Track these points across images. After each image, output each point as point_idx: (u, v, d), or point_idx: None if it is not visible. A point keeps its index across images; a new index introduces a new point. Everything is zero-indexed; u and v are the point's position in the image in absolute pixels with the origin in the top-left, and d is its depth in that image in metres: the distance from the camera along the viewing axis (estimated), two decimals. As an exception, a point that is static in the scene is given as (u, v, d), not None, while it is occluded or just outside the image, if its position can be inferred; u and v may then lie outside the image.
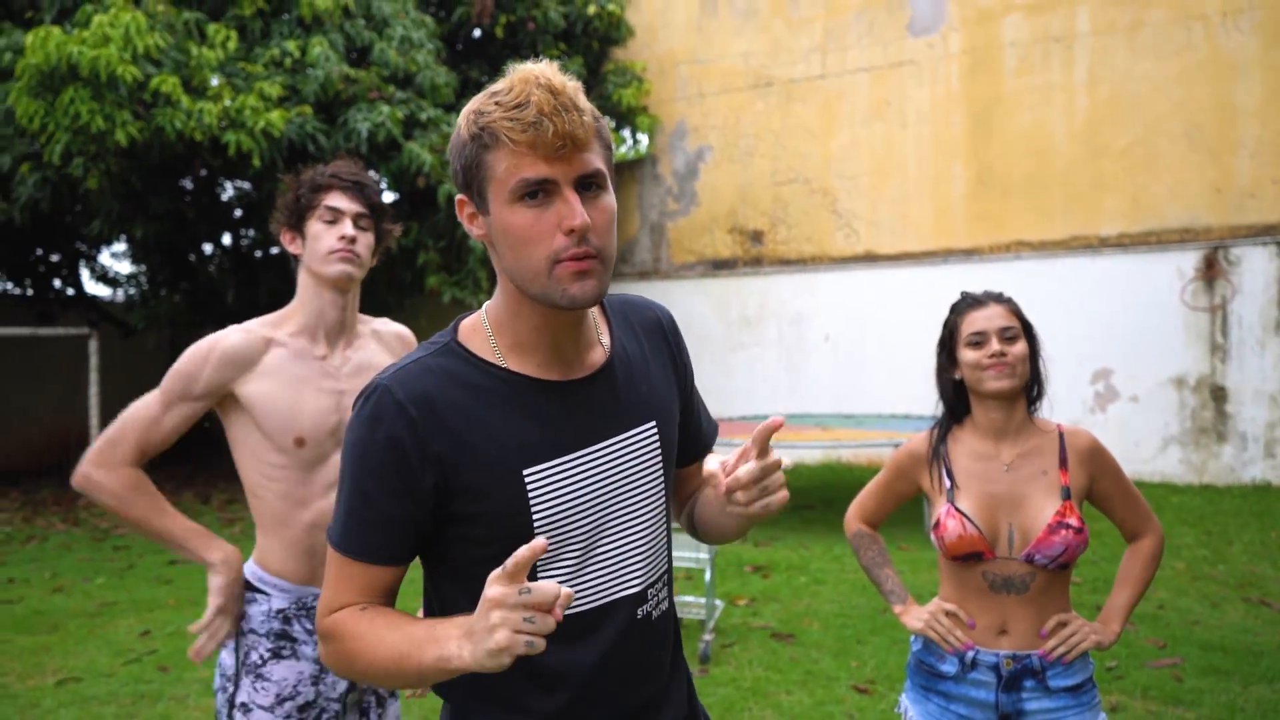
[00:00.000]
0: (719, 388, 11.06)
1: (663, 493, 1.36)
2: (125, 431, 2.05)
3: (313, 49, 8.14)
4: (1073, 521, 1.98)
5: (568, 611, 1.26)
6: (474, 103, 1.20)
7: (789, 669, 4.35)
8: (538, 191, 1.16)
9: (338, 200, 2.06)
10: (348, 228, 2.05)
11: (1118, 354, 9.16)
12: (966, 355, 2.09)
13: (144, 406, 2.07)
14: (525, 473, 1.23)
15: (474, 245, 8.75)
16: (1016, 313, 2.09)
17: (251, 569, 2.11)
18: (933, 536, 2.08)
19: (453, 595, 1.30)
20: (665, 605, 1.37)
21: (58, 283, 11.73)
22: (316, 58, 8.13)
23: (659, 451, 1.35)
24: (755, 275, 11.10)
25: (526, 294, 1.22)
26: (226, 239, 10.56)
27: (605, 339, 1.35)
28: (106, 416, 11.34)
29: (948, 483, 2.10)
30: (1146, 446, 9.09)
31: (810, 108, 10.79)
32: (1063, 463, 2.06)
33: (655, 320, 1.44)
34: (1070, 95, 9.46)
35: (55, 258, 11.57)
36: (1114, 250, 9.23)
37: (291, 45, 8.16)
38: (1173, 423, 9.01)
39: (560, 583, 1.24)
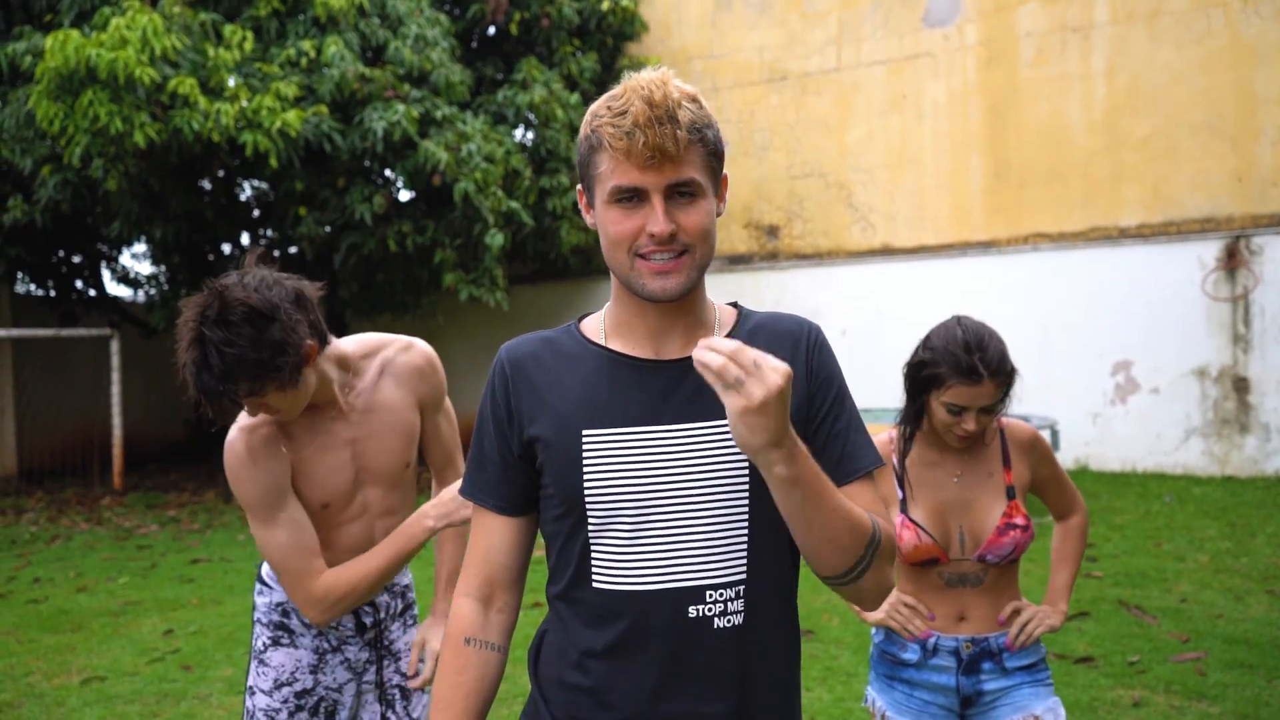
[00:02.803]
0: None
1: (745, 493, 1.29)
2: (287, 567, 1.97)
3: (328, 49, 8.15)
4: (1019, 520, 2.08)
5: (615, 586, 1.30)
6: (596, 103, 1.29)
7: (808, 665, 4.33)
8: (631, 196, 1.25)
9: (246, 404, 1.86)
10: (260, 417, 1.93)
11: (1138, 345, 9.08)
12: (938, 411, 2.05)
13: (272, 544, 1.96)
14: (584, 433, 1.30)
15: (489, 243, 8.75)
16: (1006, 383, 2.01)
17: (264, 566, 2.20)
18: None
19: (549, 556, 1.40)
20: (739, 619, 1.29)
21: (79, 284, 11.81)
22: (332, 57, 8.15)
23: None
24: (771, 270, 11.07)
25: (619, 279, 1.32)
26: (245, 238, 10.60)
27: (723, 334, 1.37)
28: (128, 416, 11.41)
29: (900, 492, 2.14)
30: (1168, 439, 9.01)
31: (825, 101, 10.74)
32: (1006, 462, 2.14)
33: (792, 332, 1.39)
34: (1088, 85, 9.37)
35: (77, 259, 11.63)
36: (1134, 241, 9.14)
37: (307, 45, 8.18)
38: (1194, 414, 8.92)
39: (608, 557, 1.31)
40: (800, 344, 1.38)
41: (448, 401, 2.24)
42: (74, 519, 8.83)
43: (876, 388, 10.29)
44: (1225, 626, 4.64)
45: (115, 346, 10.33)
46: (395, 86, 8.49)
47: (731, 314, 1.43)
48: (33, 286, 11.87)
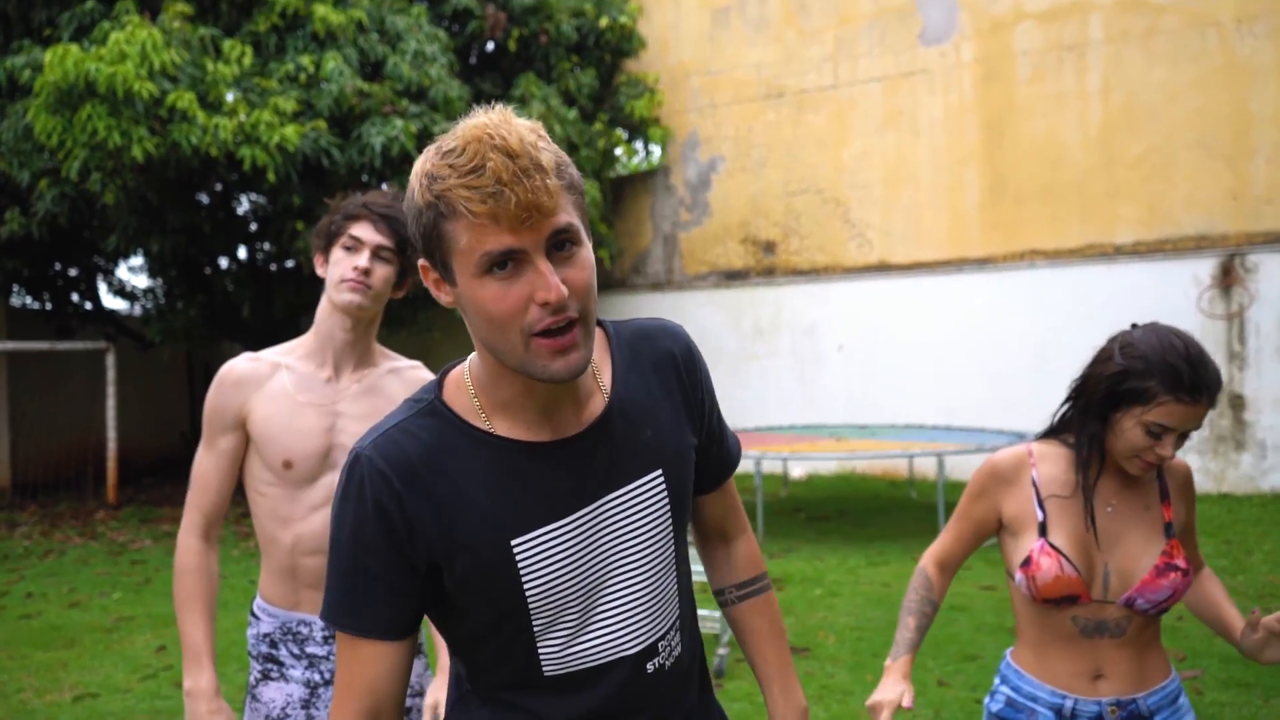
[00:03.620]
0: (732, 398, 11.02)
1: (671, 540, 1.28)
2: (189, 493, 2.12)
3: (327, 64, 8.19)
4: (1179, 562, 1.79)
5: (570, 670, 1.22)
6: (425, 161, 1.09)
7: (804, 683, 4.32)
8: (506, 262, 1.06)
9: (362, 230, 2.07)
10: (363, 258, 2.05)
11: (1134, 362, 9.09)
12: (1132, 432, 1.75)
13: (195, 461, 2.12)
14: (513, 543, 1.17)
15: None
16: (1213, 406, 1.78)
17: (256, 599, 2.19)
18: (1019, 575, 1.82)
19: (459, 654, 1.28)
20: (679, 650, 1.30)
21: (76, 297, 11.82)
22: (331, 72, 8.18)
23: (666, 500, 1.26)
24: (768, 285, 11.09)
25: (505, 365, 1.14)
26: (242, 252, 10.62)
27: (606, 380, 1.26)
28: (124, 429, 11.40)
29: (1040, 514, 1.83)
30: (1164, 455, 9.01)
31: (822, 117, 10.79)
32: (1164, 495, 1.86)
33: (667, 353, 1.32)
34: (1084, 103, 9.42)
35: (73, 272, 11.65)
36: (1129, 258, 9.18)
37: (306, 60, 8.22)
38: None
39: (557, 647, 1.21)
40: (679, 365, 1.33)
41: None
42: (67, 533, 8.80)
43: (873, 404, 10.36)
44: (1222, 645, 4.64)
45: (111, 360, 10.32)
46: (394, 102, 8.52)
47: (601, 341, 1.30)
48: (29, 299, 11.88)
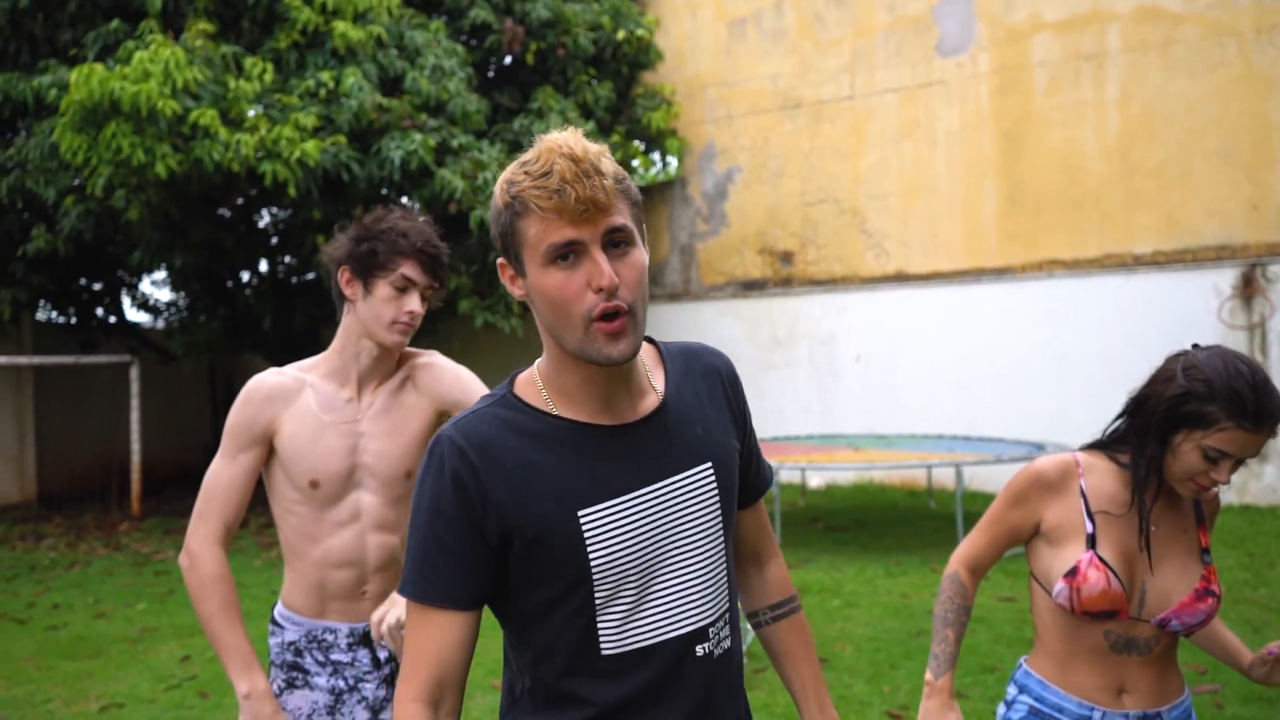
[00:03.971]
0: (750, 408, 11.02)
1: (721, 533, 1.40)
2: (206, 502, 2.11)
3: (346, 79, 8.29)
4: (1215, 588, 1.82)
5: (628, 648, 1.32)
6: (507, 172, 1.29)
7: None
8: (568, 253, 1.24)
9: (414, 272, 2.08)
10: (416, 303, 2.09)
11: (1154, 372, 9.04)
12: (1189, 455, 1.75)
13: (213, 471, 2.12)
14: (580, 514, 1.29)
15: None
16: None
17: (278, 605, 2.21)
18: (1061, 585, 1.82)
19: (519, 639, 1.38)
20: (728, 644, 1.41)
21: (100, 311, 11.97)
22: (350, 88, 8.28)
23: (716, 492, 1.39)
24: (785, 296, 11.10)
25: (566, 350, 1.29)
26: (263, 266, 10.74)
27: (659, 384, 1.41)
28: (147, 441, 11.51)
29: (1090, 526, 1.83)
30: (1186, 466, 8.95)
31: (839, 128, 10.81)
32: (1199, 520, 1.89)
33: (714, 367, 1.49)
34: (1102, 113, 9.41)
35: (98, 286, 11.82)
36: (1148, 269, 9.15)
37: (326, 76, 8.32)
38: (1212, 442, 8.87)
39: (616, 623, 1.32)
40: (723, 379, 1.50)
41: None
42: (92, 545, 8.92)
43: (891, 414, 10.35)
44: (1243, 658, 4.62)
45: (135, 373, 10.45)
46: (412, 116, 8.61)
47: (653, 354, 1.46)
48: (54, 314, 12.04)
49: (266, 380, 2.13)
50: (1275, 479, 8.64)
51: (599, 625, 1.31)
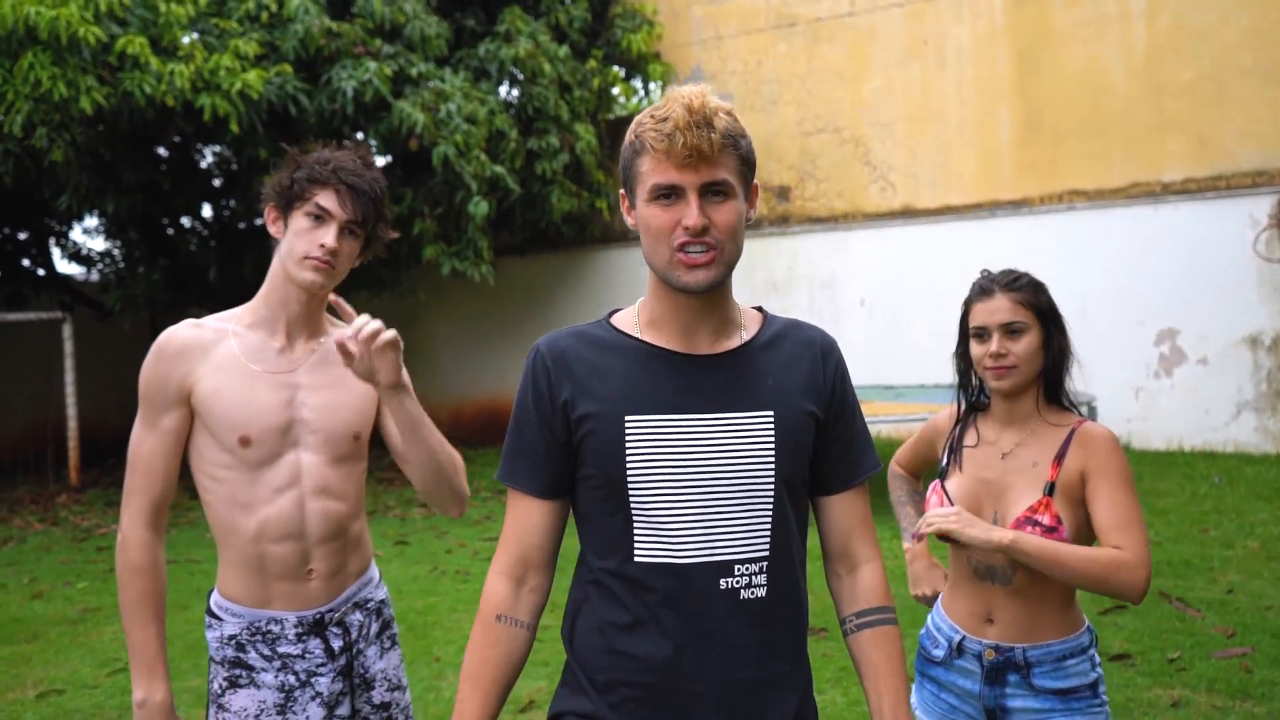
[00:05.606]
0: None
1: (772, 481, 1.58)
2: (130, 477, 2.06)
3: (291, 1, 8.13)
4: (1044, 519, 2.05)
5: (655, 559, 1.55)
6: (640, 114, 1.56)
7: (821, 666, 4.37)
8: (670, 193, 1.51)
9: (329, 201, 2.03)
10: (330, 236, 2.03)
11: (1184, 312, 9.08)
12: (972, 347, 2.20)
13: (133, 443, 2.07)
14: (627, 418, 1.56)
15: (473, 211, 8.76)
16: (1029, 303, 2.13)
17: (213, 595, 2.14)
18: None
19: (581, 529, 1.66)
20: (761, 591, 1.57)
21: (26, 263, 11.83)
22: (295, 10, 8.13)
23: (772, 439, 1.58)
24: (782, 235, 11.06)
25: (657, 274, 1.57)
26: (207, 210, 10.62)
27: (748, 334, 1.64)
28: (85, 406, 11.41)
29: (944, 461, 2.29)
30: (1218, 413, 9.02)
31: (839, 49, 10.69)
32: (1059, 456, 2.11)
33: (812, 339, 1.69)
34: (1127, 27, 9.32)
35: (23, 236, 11.67)
36: (1178, 197, 9.12)
37: (268, -2, 8.17)
38: (1246, 386, 8.93)
39: (649, 533, 1.56)
40: (820, 351, 1.67)
41: (407, 377, 2.05)
42: (27, 519, 8.91)
43: (897, 362, 10.36)
44: (1275, 619, 4.68)
45: (68, 331, 10.37)
46: (365, 42, 8.48)
47: (756, 317, 1.69)
48: (-25, 267, 11.90)
49: (179, 333, 2.06)
50: (1313, 425, 8.70)
51: (635, 532, 1.56)
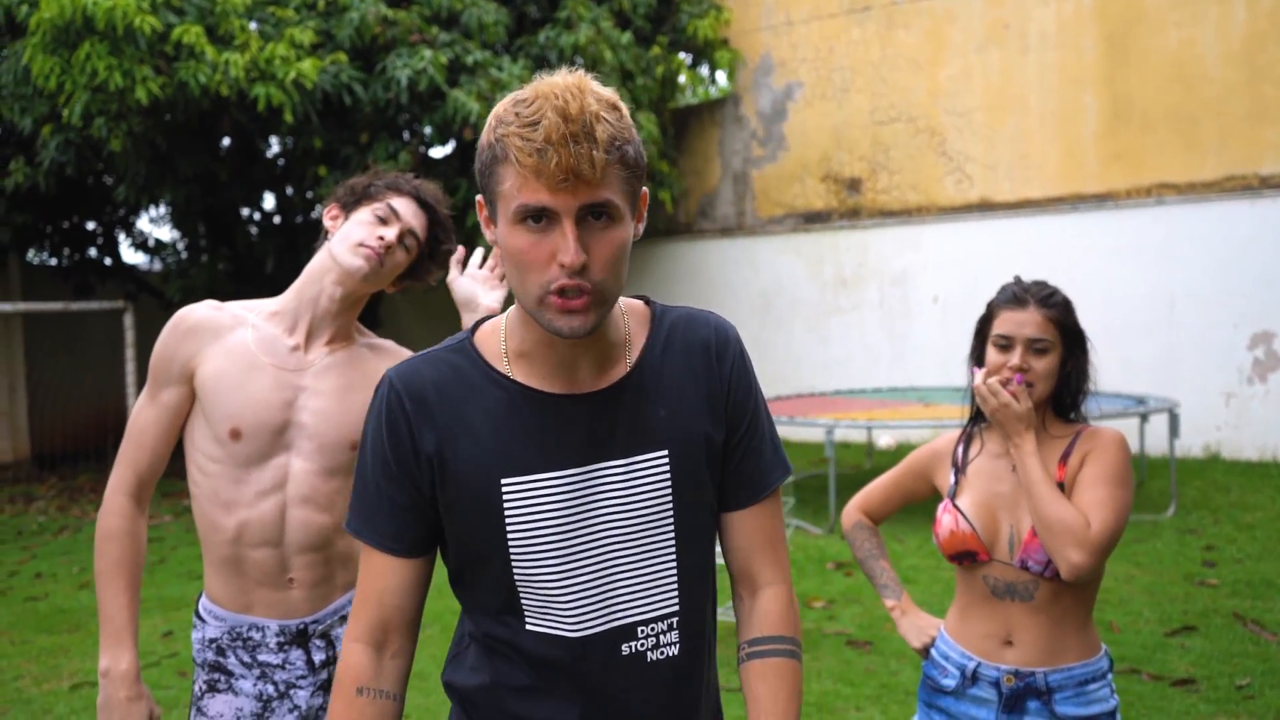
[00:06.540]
0: (812, 358, 10.94)
1: (669, 527, 1.41)
2: (123, 447, 2.11)
3: (347, -11, 8.26)
4: None
5: (547, 630, 1.39)
6: (501, 105, 1.30)
7: (862, 681, 4.30)
8: (540, 217, 1.26)
9: (403, 206, 2.12)
10: (392, 233, 2.09)
11: (1281, 314, 8.79)
12: (991, 354, 2.15)
13: (133, 413, 2.12)
14: (503, 482, 1.37)
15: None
16: (1059, 321, 2.12)
17: (201, 596, 2.17)
18: (934, 537, 2.18)
19: (456, 587, 1.48)
20: (673, 650, 1.42)
21: (94, 252, 12.20)
22: (352, -1, 8.24)
23: (667, 482, 1.41)
24: (853, 229, 10.93)
25: (525, 310, 1.34)
26: (269, 201, 10.83)
27: (635, 355, 1.44)
28: (142, 396, 11.75)
29: (953, 479, 2.23)
30: (1316, 423, 8.71)
31: (915, 34, 10.53)
32: (1064, 457, 2.13)
33: (703, 341, 1.47)
34: (1225, 9, 9.02)
35: (91, 225, 12.02)
36: (1276, 192, 8.82)
37: (325, -15, 8.30)
38: (1348, 395, 8.60)
39: (538, 601, 1.39)
40: (711, 355, 1.47)
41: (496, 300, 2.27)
42: (85, 508, 9.19)
43: (970, 364, 10.14)
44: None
45: (129, 320, 10.65)
46: (422, 29, 8.56)
47: (643, 319, 1.48)
48: (46, 255, 12.30)
49: (195, 311, 2.10)
50: None
51: (522, 602, 1.39)
